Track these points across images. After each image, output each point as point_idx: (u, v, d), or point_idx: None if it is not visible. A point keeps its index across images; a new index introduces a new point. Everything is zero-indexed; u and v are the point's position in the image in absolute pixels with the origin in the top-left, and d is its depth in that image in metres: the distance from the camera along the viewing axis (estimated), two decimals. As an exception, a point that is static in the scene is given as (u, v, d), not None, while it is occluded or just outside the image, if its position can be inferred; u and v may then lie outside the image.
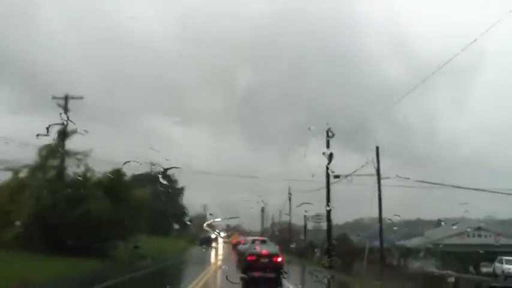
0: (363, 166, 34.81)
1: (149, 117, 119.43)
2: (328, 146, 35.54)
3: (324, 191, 38.61)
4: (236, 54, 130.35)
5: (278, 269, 25.29)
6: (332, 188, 38.13)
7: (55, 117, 65.37)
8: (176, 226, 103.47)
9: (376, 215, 33.92)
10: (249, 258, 26.32)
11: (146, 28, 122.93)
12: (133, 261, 36.94)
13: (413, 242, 57.35)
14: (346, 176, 35.19)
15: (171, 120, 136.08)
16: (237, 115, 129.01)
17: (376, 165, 35.39)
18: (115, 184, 36.49)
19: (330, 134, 36.01)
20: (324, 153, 35.35)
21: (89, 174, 36.91)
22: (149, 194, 70.64)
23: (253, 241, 48.39)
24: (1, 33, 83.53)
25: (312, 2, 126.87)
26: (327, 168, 35.52)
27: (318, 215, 55.40)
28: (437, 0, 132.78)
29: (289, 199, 74.32)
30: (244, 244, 48.17)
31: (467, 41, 21.63)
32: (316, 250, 49.93)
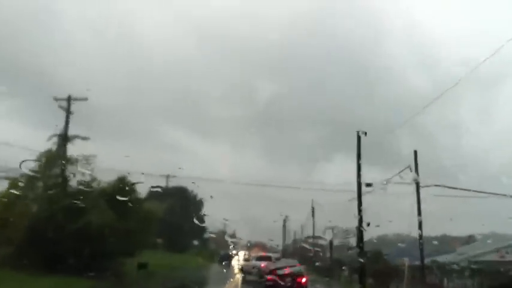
0: (400, 172, 30.48)
1: (168, 130, 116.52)
2: (359, 151, 31.24)
3: (352, 204, 34.21)
4: (256, 65, 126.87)
5: None
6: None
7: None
8: (195, 242, 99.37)
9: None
10: (269, 278, 24.20)
11: (165, 39, 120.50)
12: (141, 279, 33.14)
13: (443, 260, 52.18)
14: (381, 184, 30.84)
15: (190, 133, 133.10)
16: (258, 127, 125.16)
17: (413, 172, 31.03)
18: (120, 194, 32.55)
19: (360, 136, 31.81)
20: (358, 161, 31.66)
21: (93, 184, 32.97)
22: (159, 205, 66.82)
23: (258, 258, 44.44)
24: (19, 40, 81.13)
25: (332, 11, 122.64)
26: (358, 175, 31.34)
27: (346, 230, 50.94)
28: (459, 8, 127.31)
29: (313, 212, 69.92)
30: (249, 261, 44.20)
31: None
32: (344, 268, 45.32)
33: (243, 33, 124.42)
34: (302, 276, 24.23)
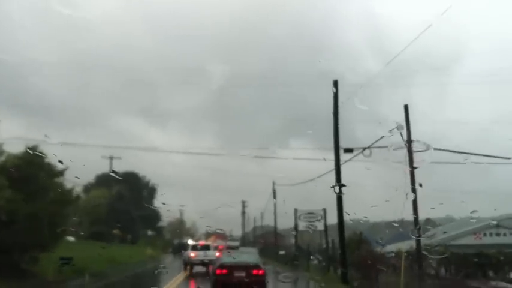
0: (382, 137, 23.40)
1: (118, 118, 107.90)
2: (336, 107, 24.09)
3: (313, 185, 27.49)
4: (210, 50, 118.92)
5: (259, 285, 18.61)
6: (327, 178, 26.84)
7: None
8: (149, 232, 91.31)
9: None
10: (218, 271, 19.38)
11: (117, 26, 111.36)
12: (61, 279, 25.34)
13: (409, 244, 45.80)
14: (364, 149, 23.77)
15: (143, 119, 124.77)
16: (213, 114, 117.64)
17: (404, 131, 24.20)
18: (29, 169, 24.56)
19: (337, 86, 24.72)
20: (335, 119, 24.56)
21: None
22: (103, 191, 57.87)
23: (194, 247, 37.55)
24: None
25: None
26: (336, 137, 24.21)
27: (311, 213, 43.91)
28: None
29: (274, 194, 62.87)
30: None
31: None
32: (312, 257, 38.45)
33: (198, 17, 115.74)
34: (258, 267, 19.42)
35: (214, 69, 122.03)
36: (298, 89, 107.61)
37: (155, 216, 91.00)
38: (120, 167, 75.68)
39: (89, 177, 75.65)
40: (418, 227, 18.75)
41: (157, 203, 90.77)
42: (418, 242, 22.39)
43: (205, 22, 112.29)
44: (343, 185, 18.00)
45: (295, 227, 43.51)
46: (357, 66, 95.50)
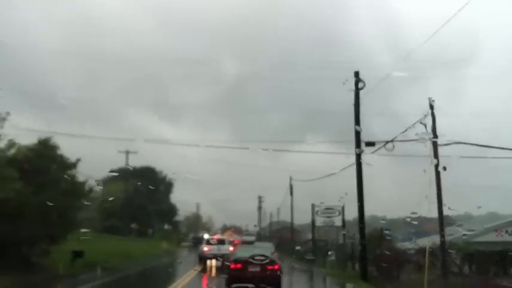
0: (409, 128, 22.41)
1: (131, 113, 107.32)
2: (357, 94, 23.01)
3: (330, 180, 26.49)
4: (221, 45, 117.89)
5: (274, 281, 18.17)
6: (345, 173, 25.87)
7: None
8: (165, 226, 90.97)
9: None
10: (232, 266, 18.87)
11: (127, 22, 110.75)
12: (72, 272, 24.72)
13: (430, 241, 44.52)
14: (386, 142, 22.69)
15: (156, 115, 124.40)
16: (226, 108, 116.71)
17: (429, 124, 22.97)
18: (40, 161, 23.91)
19: (360, 82, 23.66)
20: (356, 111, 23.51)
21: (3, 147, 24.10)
22: (119, 185, 57.32)
23: (208, 241, 36.95)
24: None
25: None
26: (357, 132, 23.17)
27: (329, 208, 42.87)
28: None
29: (291, 189, 61.94)
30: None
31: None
32: (330, 253, 37.42)
33: (206, 12, 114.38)
34: (274, 263, 18.86)
35: (226, 64, 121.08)
36: (312, 84, 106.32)
37: (171, 210, 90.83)
38: (136, 161, 75.44)
39: (106, 172, 75.57)
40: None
41: (173, 197, 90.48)
42: (443, 238, 21.27)
43: (216, 16, 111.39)
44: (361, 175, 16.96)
45: (312, 222, 42.52)
46: (371, 61, 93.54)
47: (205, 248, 36.45)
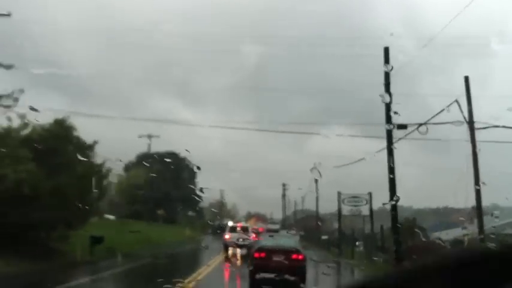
0: (443, 110, 20.68)
1: (154, 100, 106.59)
2: (387, 72, 21.23)
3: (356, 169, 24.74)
4: (243, 30, 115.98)
5: (299, 270, 17.53)
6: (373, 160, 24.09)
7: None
8: (189, 213, 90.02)
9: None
10: (256, 255, 18.19)
11: (147, 8, 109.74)
12: (91, 259, 23.70)
13: (457, 234, 42.37)
14: (420, 125, 20.87)
15: (177, 102, 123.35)
16: (249, 95, 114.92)
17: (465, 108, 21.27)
18: (56, 142, 22.78)
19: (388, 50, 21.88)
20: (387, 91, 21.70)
21: (18, 127, 23.04)
22: (142, 171, 56.28)
23: (232, 229, 36.01)
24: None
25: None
26: (388, 112, 21.39)
27: (355, 197, 41.16)
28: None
29: (317, 176, 60.14)
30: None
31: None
32: (357, 243, 35.77)
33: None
34: (298, 252, 18.08)
35: (247, 49, 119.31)
36: (336, 70, 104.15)
37: (195, 197, 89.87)
38: (160, 147, 74.60)
39: (130, 157, 74.88)
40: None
41: (197, 184, 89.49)
42: (482, 229, 19.50)
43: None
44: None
45: (339, 211, 40.87)
46: (393, 46, 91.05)
47: (227, 236, 35.76)
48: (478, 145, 20.72)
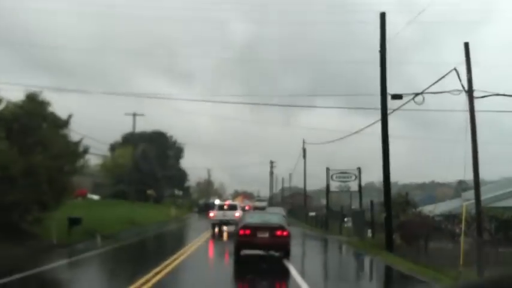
0: (441, 79, 19.62)
1: (141, 77, 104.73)
2: (383, 37, 19.97)
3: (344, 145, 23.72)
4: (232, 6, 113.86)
5: (283, 247, 18.13)
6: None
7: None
8: (176, 191, 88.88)
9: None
10: (241, 232, 18.31)
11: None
12: (68, 241, 22.41)
13: (451, 206, 41.60)
14: (416, 94, 19.75)
15: (164, 79, 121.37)
16: (237, 71, 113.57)
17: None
18: (29, 119, 21.32)
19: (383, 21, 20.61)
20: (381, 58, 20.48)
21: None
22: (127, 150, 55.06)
23: (220, 207, 36.08)
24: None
25: None
26: (383, 80, 20.23)
27: (344, 172, 40.23)
28: None
29: (304, 153, 59.31)
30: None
31: None
32: (346, 219, 34.86)
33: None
34: (283, 229, 18.25)
35: (237, 27, 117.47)
36: (324, 49, 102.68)
37: (182, 176, 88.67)
38: (147, 126, 73.19)
39: (114, 137, 73.37)
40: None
41: (184, 163, 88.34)
42: (479, 202, 18.51)
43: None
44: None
45: (327, 187, 39.94)
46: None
47: (211, 214, 35.87)
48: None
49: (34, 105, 21.94)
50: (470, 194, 44.88)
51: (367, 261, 20.43)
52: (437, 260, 16.99)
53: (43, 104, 22.27)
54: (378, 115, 22.06)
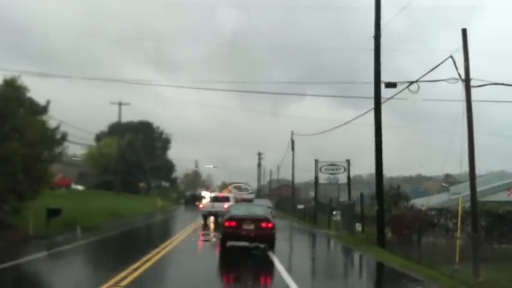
0: (437, 66, 18.75)
1: (129, 69, 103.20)
2: (378, 21, 19.06)
3: (333, 137, 22.83)
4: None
5: (267, 238, 18.39)
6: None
7: None
8: (163, 183, 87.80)
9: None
10: (227, 223, 18.61)
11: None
12: (46, 233, 21.31)
13: (440, 200, 41.04)
14: (411, 83, 18.88)
15: (153, 69, 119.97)
16: (226, 63, 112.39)
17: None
18: (6, 105, 20.17)
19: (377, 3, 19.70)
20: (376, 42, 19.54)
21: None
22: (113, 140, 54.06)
23: (214, 199, 36.28)
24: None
25: None
26: (377, 67, 19.33)
27: (333, 164, 39.53)
28: None
29: (292, 145, 58.49)
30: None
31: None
32: (335, 213, 34.09)
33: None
34: (268, 221, 18.51)
35: (226, 18, 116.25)
36: (315, 37, 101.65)
37: (169, 167, 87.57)
38: (134, 116, 72.03)
39: (100, 126, 72.07)
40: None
41: (171, 154, 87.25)
42: (474, 196, 17.68)
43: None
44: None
45: (316, 179, 39.19)
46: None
47: (200, 205, 37.17)
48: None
49: (11, 91, 20.77)
50: (459, 188, 44.45)
51: (357, 257, 19.60)
52: (430, 256, 16.18)
53: (20, 89, 21.10)
54: (369, 105, 21.27)
